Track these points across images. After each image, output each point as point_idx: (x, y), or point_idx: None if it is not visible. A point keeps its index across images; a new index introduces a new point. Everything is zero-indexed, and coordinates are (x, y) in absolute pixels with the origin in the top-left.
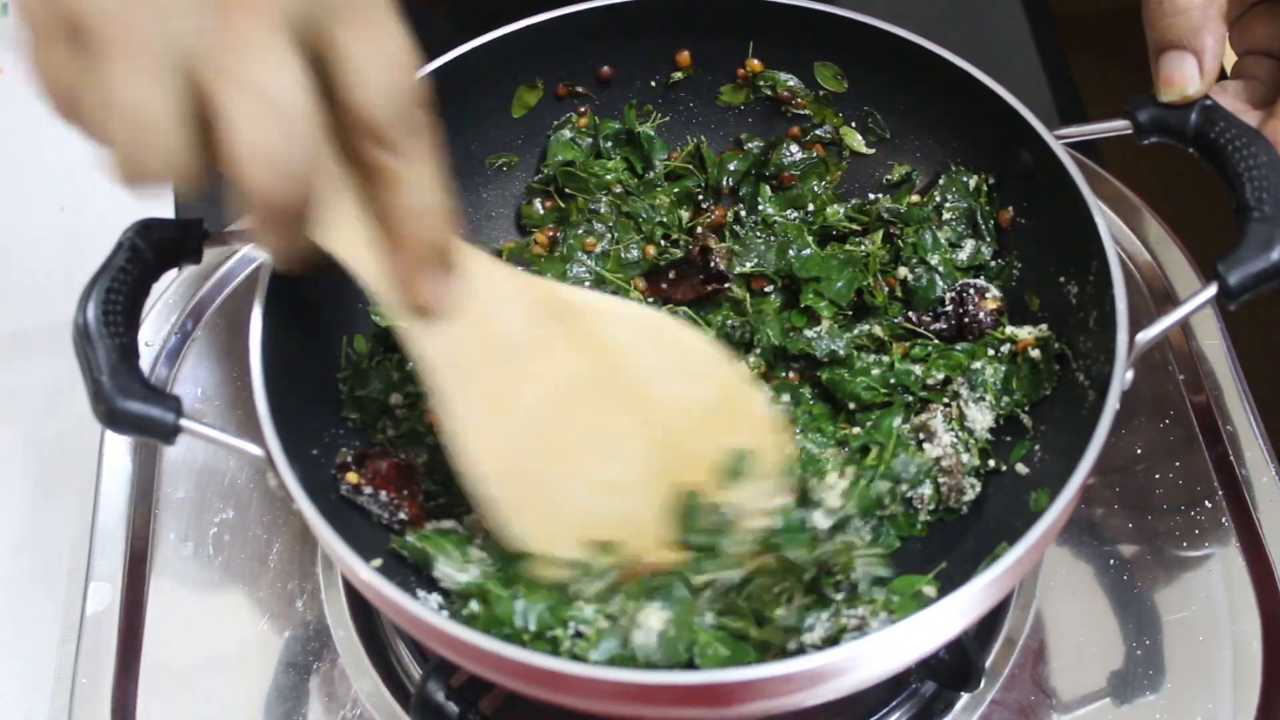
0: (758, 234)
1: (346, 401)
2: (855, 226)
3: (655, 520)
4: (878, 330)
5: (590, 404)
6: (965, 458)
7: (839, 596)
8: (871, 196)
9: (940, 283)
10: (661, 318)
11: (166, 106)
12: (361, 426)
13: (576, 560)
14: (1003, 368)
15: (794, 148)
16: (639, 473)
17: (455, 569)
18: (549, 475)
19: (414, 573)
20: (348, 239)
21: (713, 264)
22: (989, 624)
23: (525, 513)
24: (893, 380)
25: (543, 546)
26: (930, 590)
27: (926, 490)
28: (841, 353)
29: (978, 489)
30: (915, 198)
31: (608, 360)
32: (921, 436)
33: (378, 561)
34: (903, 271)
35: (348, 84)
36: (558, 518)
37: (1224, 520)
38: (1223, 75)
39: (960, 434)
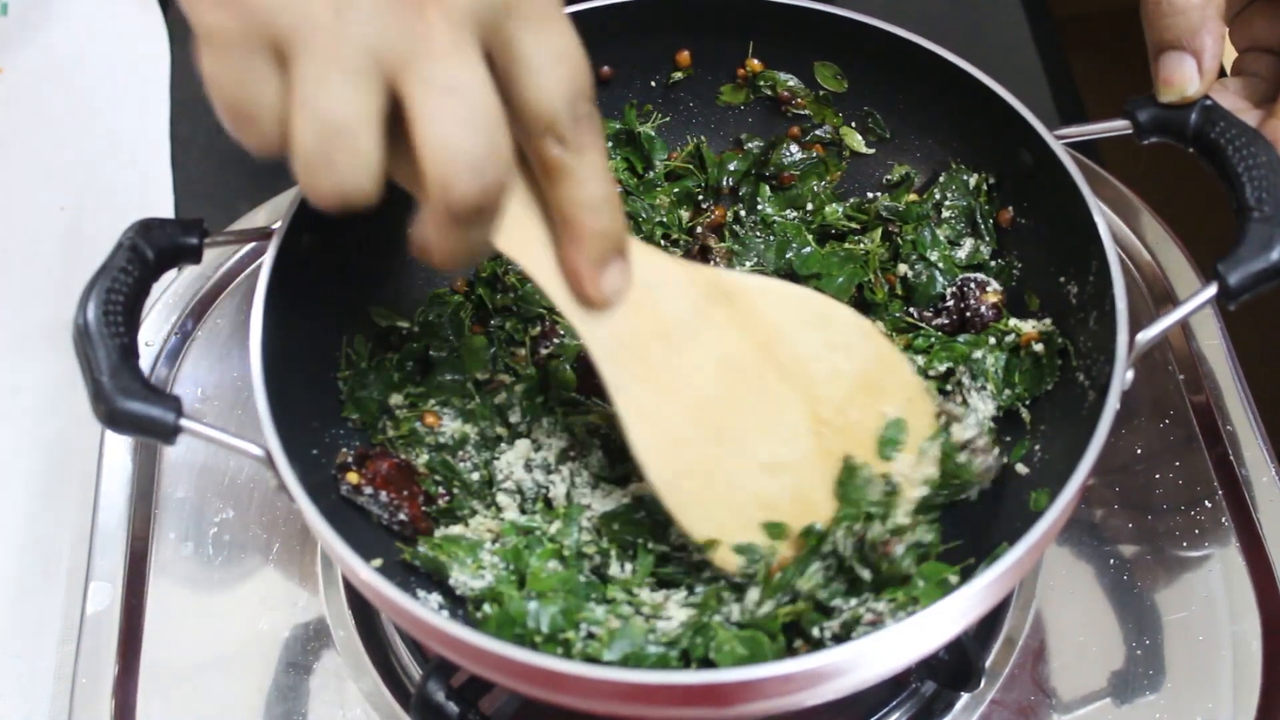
0: (757, 234)
1: (346, 401)
2: (854, 225)
3: (823, 498)
4: (880, 326)
5: (753, 384)
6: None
7: (867, 575)
8: (870, 195)
9: (940, 279)
10: (809, 293)
11: (362, 108)
12: (361, 426)
13: (746, 544)
14: (1004, 356)
15: (794, 148)
16: (804, 450)
17: (470, 576)
18: (719, 459)
19: (414, 573)
20: (519, 238)
21: (713, 263)
22: (989, 624)
23: (700, 499)
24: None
25: (718, 533)
26: (954, 579)
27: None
28: None
29: (995, 474)
30: (913, 196)
31: (765, 339)
32: (945, 420)
33: (378, 561)
34: (902, 269)
35: (526, 82)
36: (731, 502)
37: (1224, 520)
38: (1223, 73)
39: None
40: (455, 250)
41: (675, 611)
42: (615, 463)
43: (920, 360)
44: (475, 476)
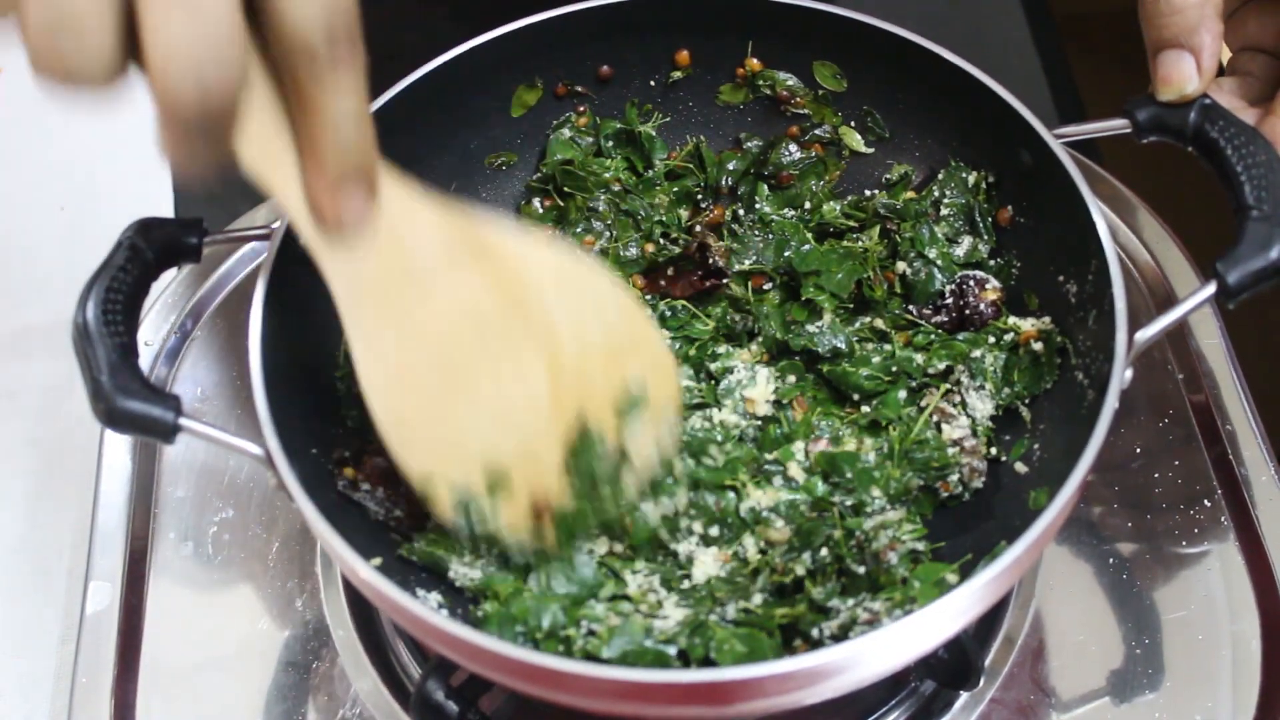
0: (755, 232)
1: (346, 400)
2: (852, 223)
3: (551, 460)
4: (879, 323)
5: (495, 339)
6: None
7: (861, 570)
8: (868, 193)
9: (939, 276)
10: (572, 258)
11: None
12: (360, 425)
13: (458, 484)
14: (1003, 355)
15: (793, 147)
16: (539, 410)
17: (469, 568)
18: (451, 407)
19: (414, 572)
20: (267, 156)
21: (711, 260)
22: (988, 623)
23: (420, 439)
24: (894, 368)
25: (427, 478)
26: (953, 578)
27: (953, 476)
28: (843, 348)
29: (984, 478)
30: (911, 194)
31: (517, 295)
32: (938, 418)
33: (377, 560)
34: (901, 266)
35: (284, 6)
36: (455, 450)
37: (1223, 519)
38: (1220, 72)
39: (970, 414)
40: (188, 156)
41: (672, 610)
42: None
43: (919, 358)
44: None
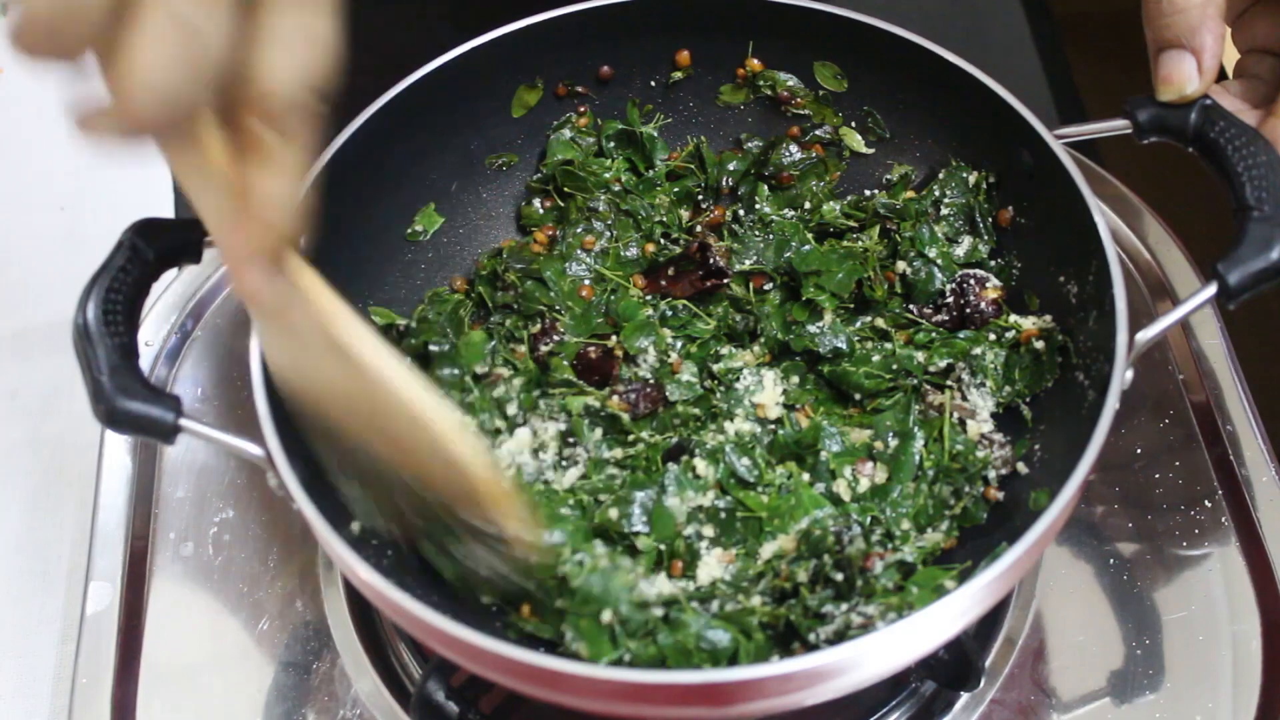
0: (756, 232)
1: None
2: (852, 223)
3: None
4: (880, 323)
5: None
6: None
7: (839, 577)
8: (868, 193)
9: (939, 275)
10: (420, 397)
11: None
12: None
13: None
14: (1004, 352)
15: (793, 148)
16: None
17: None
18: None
19: (414, 573)
20: (200, 183)
21: (711, 260)
22: (989, 623)
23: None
24: (895, 366)
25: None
26: (951, 584)
27: (990, 474)
28: (844, 348)
29: (1012, 464)
30: (911, 193)
31: (372, 401)
32: (959, 415)
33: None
34: (901, 266)
35: (262, 54)
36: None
37: (1224, 520)
38: (1224, 75)
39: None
40: (120, 144)
41: (662, 583)
42: (613, 444)
43: (920, 356)
44: None
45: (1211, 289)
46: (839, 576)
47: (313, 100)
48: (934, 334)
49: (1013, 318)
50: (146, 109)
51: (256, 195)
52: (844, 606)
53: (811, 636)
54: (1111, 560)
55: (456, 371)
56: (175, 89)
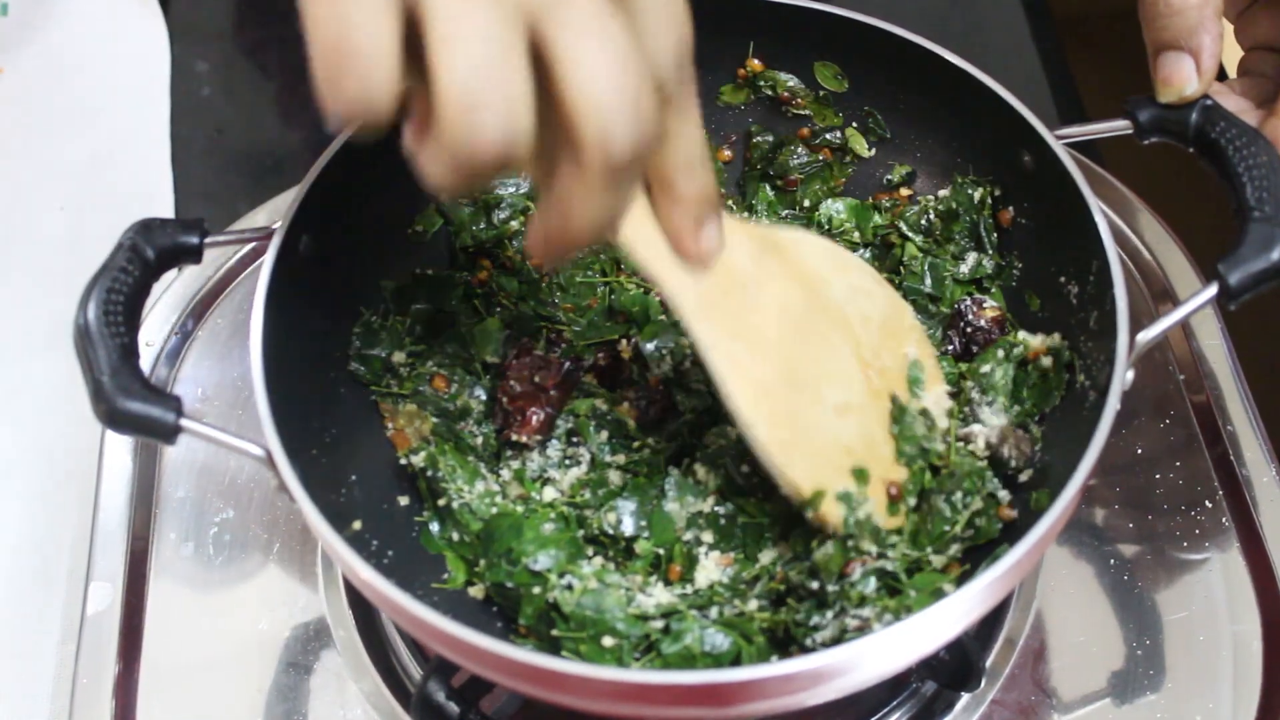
0: None
1: (354, 356)
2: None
3: (883, 438)
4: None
5: (810, 330)
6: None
7: (814, 585)
8: (869, 197)
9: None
10: (829, 241)
11: (510, 47)
12: (366, 381)
13: (845, 492)
14: (1012, 369)
15: (801, 150)
16: (861, 391)
17: (467, 483)
18: (800, 405)
19: (415, 573)
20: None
21: None
22: (989, 624)
23: (794, 449)
24: None
25: (817, 483)
26: (950, 588)
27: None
28: None
29: (1037, 445)
30: (908, 190)
31: (811, 287)
32: (966, 414)
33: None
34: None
35: (645, 41)
36: (819, 449)
37: (1224, 520)
38: (1225, 74)
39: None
40: (600, 217)
41: (659, 593)
42: (618, 449)
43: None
44: (479, 442)
45: (1212, 290)
46: (814, 585)
47: (690, 68)
48: (941, 359)
49: (1020, 334)
50: (631, 130)
51: (675, 168)
52: (829, 614)
53: (808, 641)
54: (1112, 561)
55: (467, 353)
56: (643, 96)
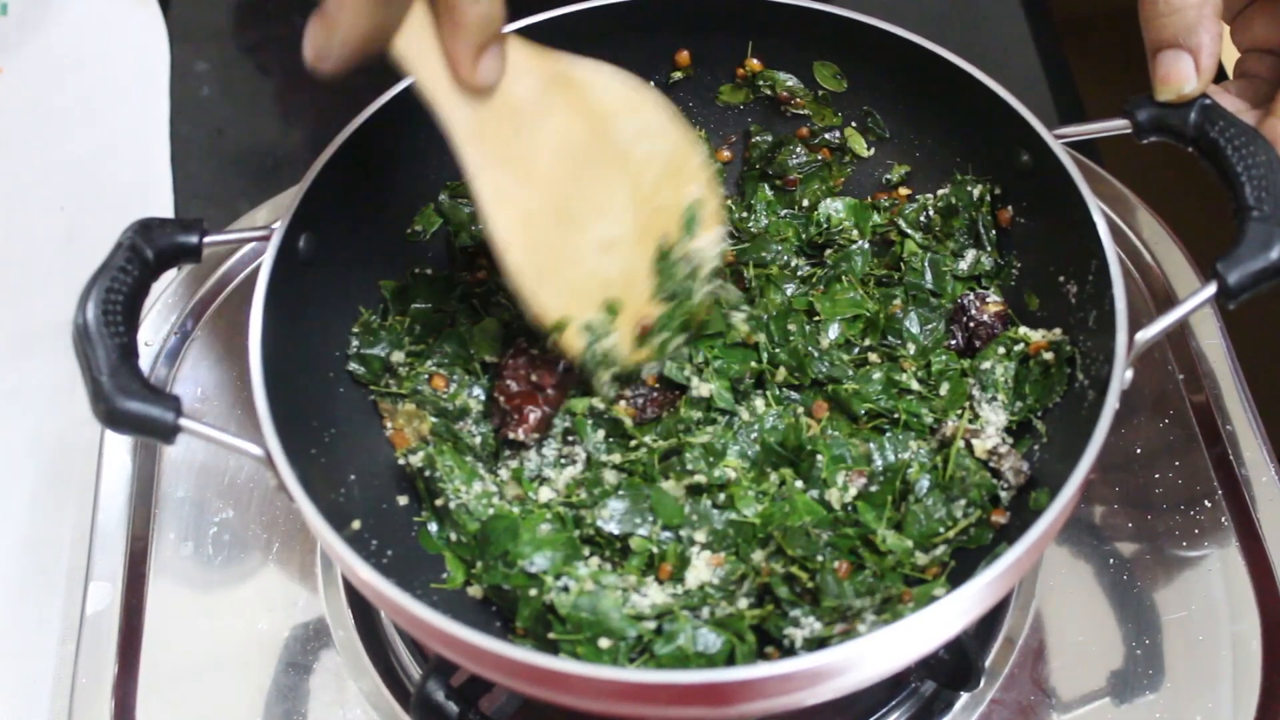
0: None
1: (353, 356)
2: (854, 236)
3: (645, 275)
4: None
5: (588, 165)
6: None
7: (784, 593)
8: (869, 197)
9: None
10: (625, 77)
11: None
12: (365, 381)
13: (588, 322)
14: (1013, 366)
15: (800, 149)
16: (630, 228)
17: (464, 483)
18: (564, 236)
19: (414, 573)
20: (408, 34)
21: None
22: (989, 623)
23: (547, 278)
24: (895, 391)
25: (566, 311)
26: (941, 592)
27: (1002, 493)
28: (850, 374)
29: (1026, 473)
30: (907, 190)
31: (597, 122)
32: (968, 437)
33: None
34: (898, 303)
35: None
36: (575, 280)
37: (1224, 520)
38: (1223, 75)
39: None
40: (365, 25)
41: (654, 593)
42: (614, 448)
43: (926, 411)
44: (478, 441)
45: (1211, 289)
46: (809, 581)
47: None
48: (944, 356)
49: (1021, 330)
50: None
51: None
52: (806, 609)
53: (785, 641)
54: (1111, 560)
55: (464, 352)
56: None
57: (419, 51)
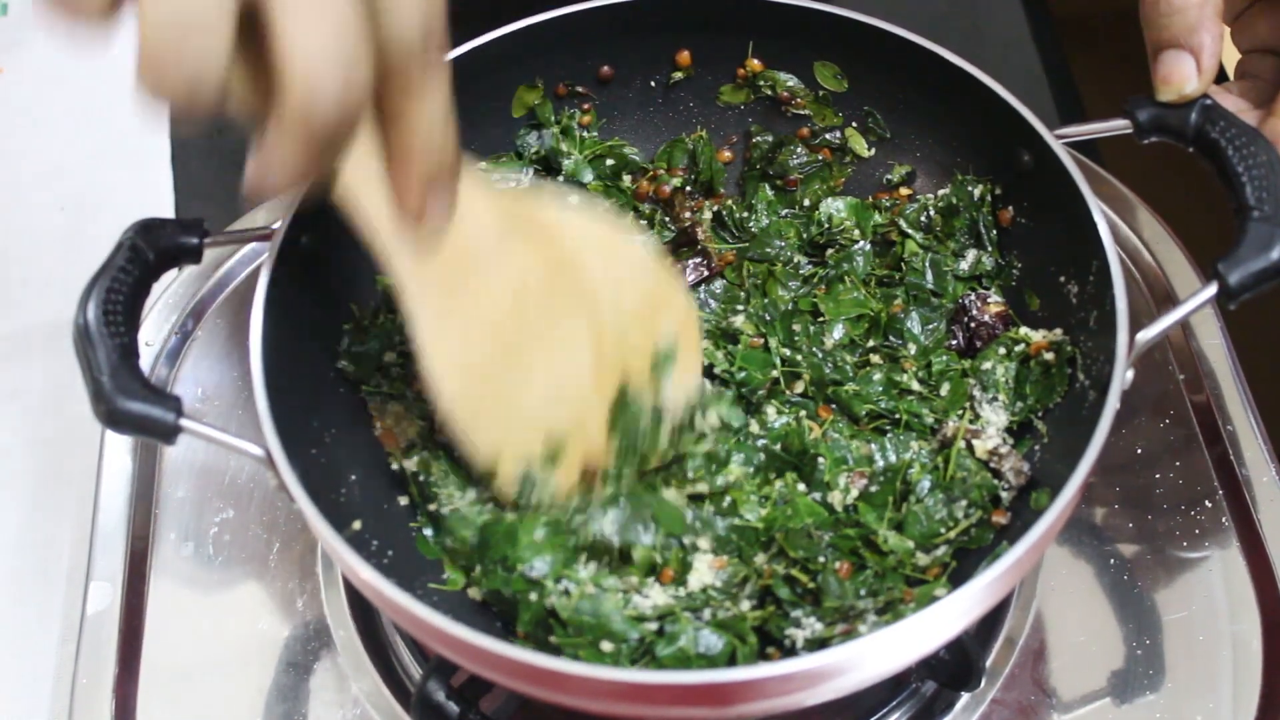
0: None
1: (343, 354)
2: (855, 236)
3: (599, 421)
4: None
5: (544, 307)
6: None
7: (810, 583)
8: (870, 197)
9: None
10: (600, 220)
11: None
12: (355, 380)
13: (527, 472)
14: (1014, 366)
15: (800, 150)
16: (586, 378)
17: (458, 490)
18: (507, 383)
19: (415, 573)
20: (354, 172)
21: (700, 246)
22: (989, 623)
23: (484, 418)
24: (899, 387)
25: (499, 453)
26: (942, 592)
27: (1003, 494)
28: (850, 374)
29: (1028, 474)
30: (908, 190)
31: (563, 266)
32: (969, 438)
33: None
34: (899, 303)
35: (383, 15)
36: (513, 425)
37: (1224, 520)
38: (1224, 76)
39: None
40: (296, 173)
41: (655, 594)
42: None
43: (926, 411)
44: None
45: (1212, 289)
46: (810, 583)
47: (439, 36)
48: (945, 356)
49: (1022, 330)
50: (337, 92)
51: (412, 129)
52: (808, 609)
53: (786, 641)
54: (1112, 560)
55: None
56: (353, 59)
57: (361, 180)
